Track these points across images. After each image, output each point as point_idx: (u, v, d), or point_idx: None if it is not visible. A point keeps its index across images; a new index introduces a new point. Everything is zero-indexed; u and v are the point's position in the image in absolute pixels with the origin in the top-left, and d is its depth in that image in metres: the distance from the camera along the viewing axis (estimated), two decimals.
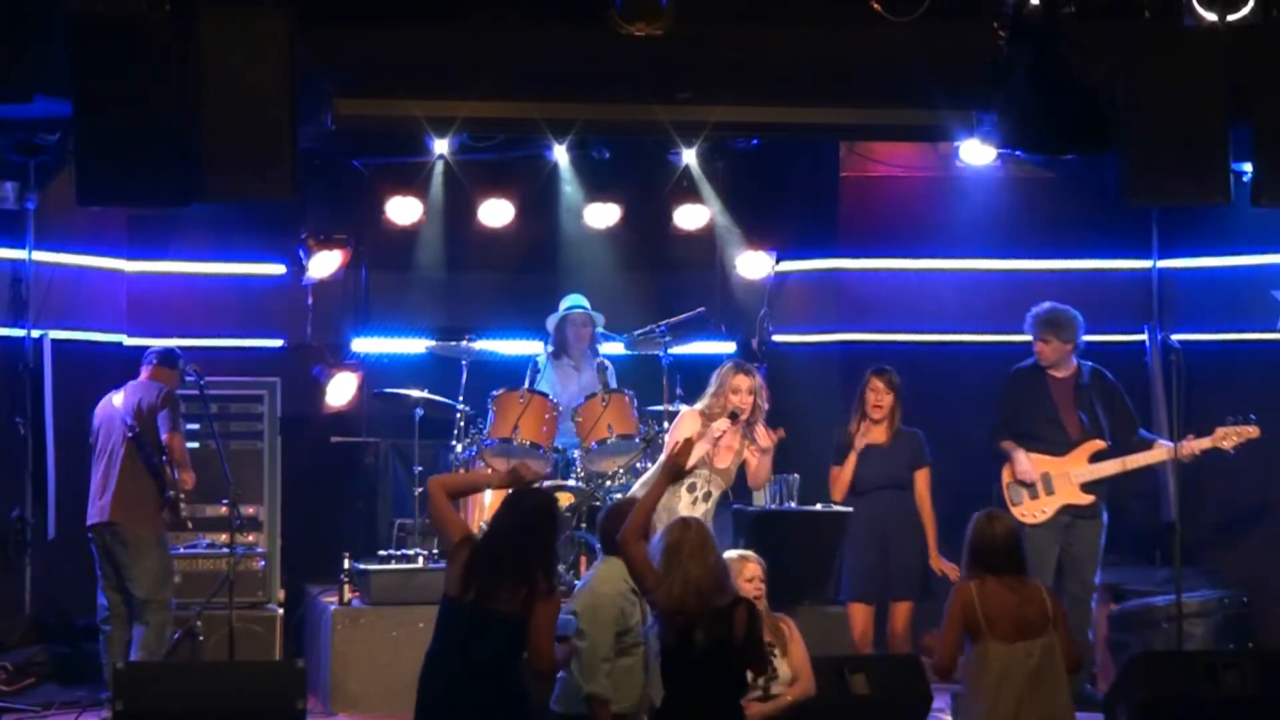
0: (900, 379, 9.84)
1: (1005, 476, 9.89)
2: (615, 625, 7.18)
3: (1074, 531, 9.81)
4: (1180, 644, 9.90)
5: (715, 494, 9.16)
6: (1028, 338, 10.17)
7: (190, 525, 9.83)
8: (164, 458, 9.44)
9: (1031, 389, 9.96)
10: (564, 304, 11.09)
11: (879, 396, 9.78)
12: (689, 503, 9.10)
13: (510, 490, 7.13)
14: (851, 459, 9.81)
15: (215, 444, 9.84)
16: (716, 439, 8.99)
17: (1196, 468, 10.40)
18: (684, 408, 9.60)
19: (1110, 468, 9.81)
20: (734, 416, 8.98)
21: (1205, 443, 9.77)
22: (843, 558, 9.80)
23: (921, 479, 9.80)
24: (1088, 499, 9.78)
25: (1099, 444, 9.83)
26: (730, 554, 7.70)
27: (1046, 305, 10.01)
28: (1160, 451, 9.84)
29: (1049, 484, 9.80)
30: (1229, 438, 9.74)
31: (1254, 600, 10.52)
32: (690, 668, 6.68)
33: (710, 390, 9.18)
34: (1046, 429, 9.86)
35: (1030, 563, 7.60)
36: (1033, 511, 9.75)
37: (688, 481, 9.10)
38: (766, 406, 9.22)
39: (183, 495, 9.50)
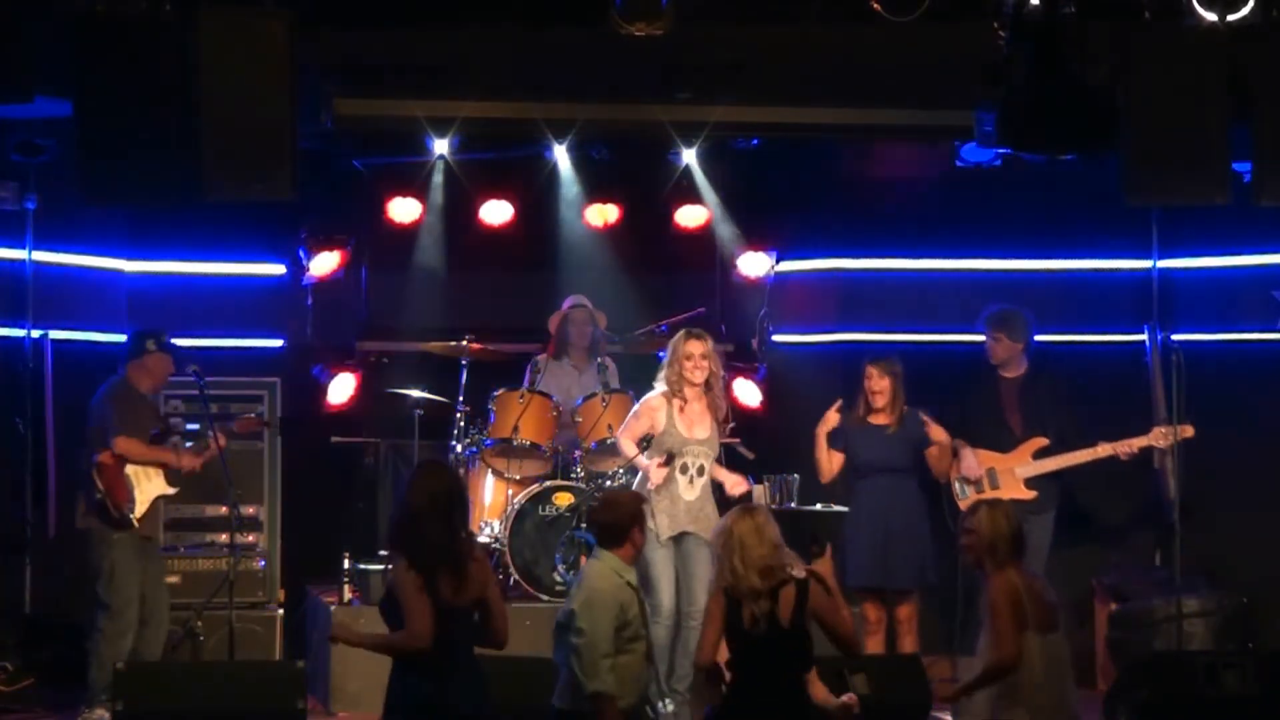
0: (900, 367, 9.86)
1: (952, 473, 10.04)
2: (614, 621, 7.15)
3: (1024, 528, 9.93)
4: (1180, 644, 9.91)
5: (707, 465, 9.29)
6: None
7: (134, 525, 9.47)
8: (94, 459, 9.32)
9: (981, 387, 10.22)
10: (565, 304, 11.10)
11: (874, 383, 9.82)
12: (686, 483, 9.18)
13: (417, 470, 7.16)
14: (823, 443, 9.82)
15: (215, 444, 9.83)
16: (653, 482, 9.16)
17: (1196, 468, 10.41)
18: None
19: (1052, 464, 10.01)
20: (646, 443, 9.17)
21: (1143, 441, 10.03)
22: (845, 545, 9.77)
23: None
24: (1031, 494, 9.96)
25: (1042, 441, 10.02)
26: None
27: (996, 306, 10.33)
28: (1099, 449, 10.00)
29: (994, 480, 9.98)
30: (1165, 436, 9.98)
31: (1254, 600, 10.52)
32: (758, 645, 6.85)
33: (666, 361, 9.29)
34: (993, 427, 10.07)
35: None
36: None
37: (678, 464, 9.18)
38: (722, 373, 9.41)
39: (109, 499, 9.30)
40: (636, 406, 9.48)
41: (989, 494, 9.86)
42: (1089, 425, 10.09)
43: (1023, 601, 7.12)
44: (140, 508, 9.40)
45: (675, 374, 9.24)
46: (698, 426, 9.28)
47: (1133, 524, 11.15)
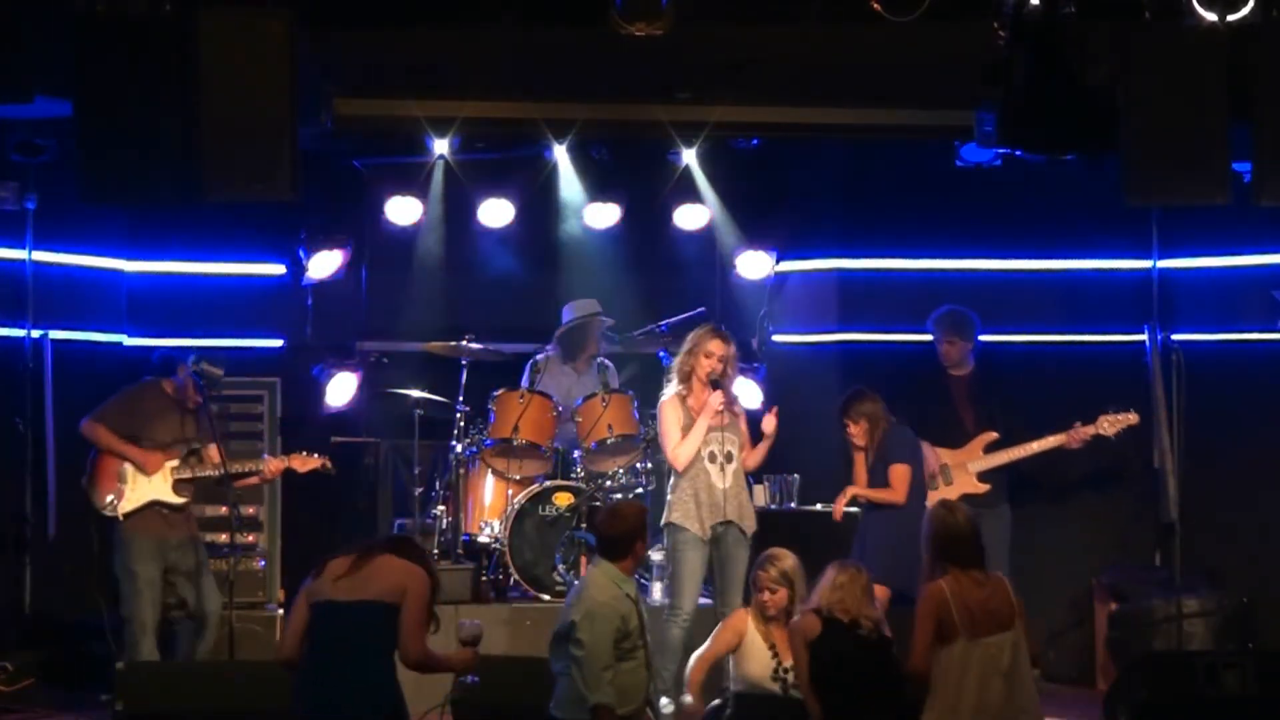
0: (865, 404, 9.63)
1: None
2: (614, 633, 7.13)
3: (982, 524, 9.92)
4: (1180, 644, 9.90)
5: (735, 451, 9.19)
6: (1028, 337, 10.19)
7: (113, 512, 9.40)
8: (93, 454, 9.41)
9: (932, 387, 10.37)
10: (580, 308, 11.07)
11: (848, 431, 9.73)
12: (717, 471, 9.10)
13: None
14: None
15: (215, 444, 9.82)
16: (719, 410, 9.08)
17: (1196, 468, 10.40)
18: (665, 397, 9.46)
19: (1003, 457, 10.16)
20: (715, 385, 9.13)
21: (1091, 429, 10.16)
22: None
23: (894, 474, 9.57)
24: (983, 488, 10.08)
25: (992, 435, 10.16)
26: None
27: (947, 308, 10.44)
28: (1048, 440, 10.16)
29: (947, 475, 10.09)
30: (1113, 425, 10.14)
31: (1254, 600, 10.52)
32: (866, 648, 7.45)
33: (684, 349, 9.24)
34: (945, 424, 10.17)
35: None
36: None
37: (706, 451, 9.09)
38: (735, 374, 9.36)
39: (89, 486, 9.36)
40: (663, 415, 9.27)
41: (943, 491, 9.90)
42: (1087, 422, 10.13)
43: (948, 613, 7.21)
44: (128, 504, 9.35)
45: (690, 363, 9.22)
46: (717, 415, 9.22)
47: (1133, 524, 11.14)
